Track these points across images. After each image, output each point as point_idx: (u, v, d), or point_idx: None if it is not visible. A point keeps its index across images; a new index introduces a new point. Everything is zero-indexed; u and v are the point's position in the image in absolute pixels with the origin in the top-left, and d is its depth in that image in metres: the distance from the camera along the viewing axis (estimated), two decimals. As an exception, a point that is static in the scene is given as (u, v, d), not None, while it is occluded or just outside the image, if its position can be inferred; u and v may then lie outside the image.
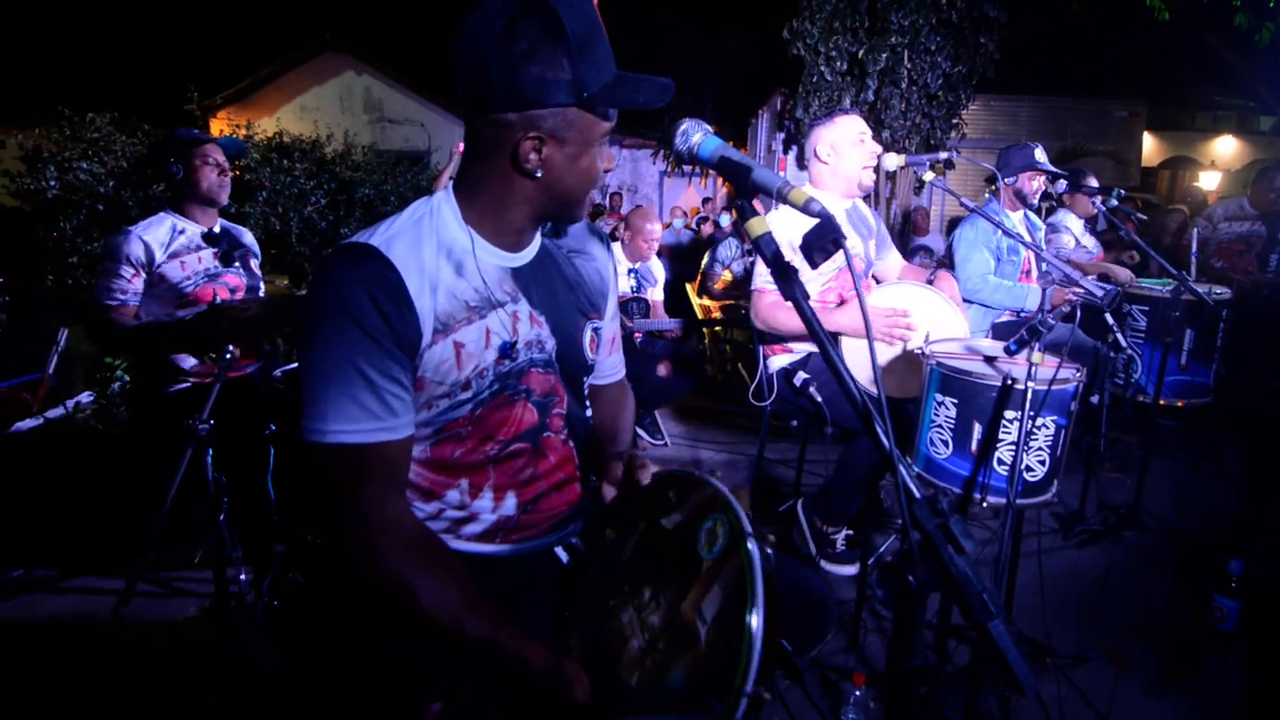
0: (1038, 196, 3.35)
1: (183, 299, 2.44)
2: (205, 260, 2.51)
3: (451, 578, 0.99)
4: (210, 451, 1.95)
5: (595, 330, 1.27)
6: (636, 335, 3.93)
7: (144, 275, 2.39)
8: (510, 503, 1.14)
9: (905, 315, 2.32)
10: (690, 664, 0.90)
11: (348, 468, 0.98)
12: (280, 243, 4.81)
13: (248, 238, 2.71)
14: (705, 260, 5.75)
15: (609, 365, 1.39)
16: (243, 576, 2.27)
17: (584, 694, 0.93)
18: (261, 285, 2.73)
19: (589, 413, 1.29)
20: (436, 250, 1.04)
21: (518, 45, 0.95)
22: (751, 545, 0.89)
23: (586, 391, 1.28)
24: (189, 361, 2.44)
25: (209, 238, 2.52)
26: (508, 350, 1.09)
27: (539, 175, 1.03)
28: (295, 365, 2.31)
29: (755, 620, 0.84)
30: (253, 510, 2.19)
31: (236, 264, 2.58)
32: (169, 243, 2.43)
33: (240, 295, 2.58)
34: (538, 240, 1.19)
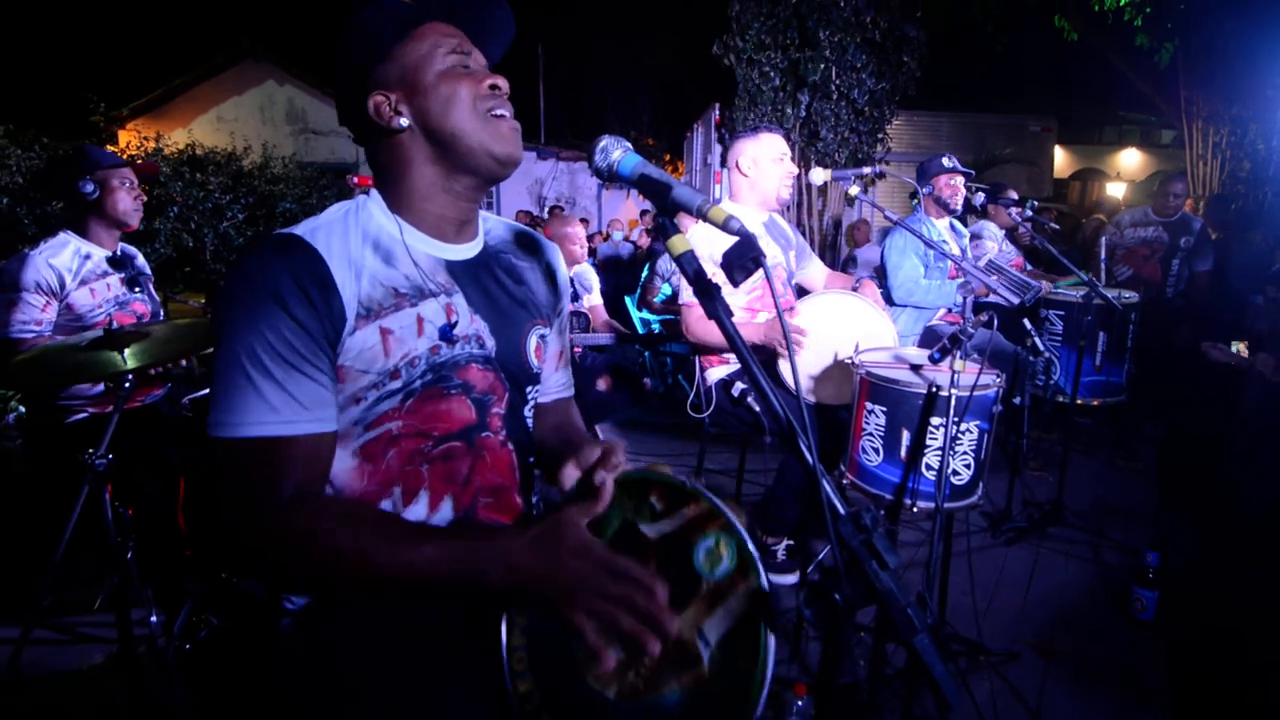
0: (958, 201, 3.48)
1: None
2: (114, 287, 2.37)
3: (381, 520, 0.96)
4: (110, 486, 1.81)
5: (541, 337, 1.22)
6: (576, 349, 3.89)
7: (55, 304, 2.22)
8: (446, 510, 1.08)
9: (804, 334, 2.36)
10: (690, 684, 0.90)
11: (267, 461, 0.92)
12: (194, 259, 4.58)
13: (140, 260, 2.58)
14: (645, 273, 5.75)
15: (557, 381, 1.34)
16: (153, 618, 2.12)
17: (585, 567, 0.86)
18: (161, 309, 2.60)
19: (529, 420, 1.22)
20: (362, 241, 1.03)
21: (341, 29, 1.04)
22: (765, 579, 0.90)
23: (531, 401, 1.22)
24: (95, 389, 2.29)
25: (114, 262, 2.38)
26: (447, 333, 1.05)
27: (404, 124, 1.03)
28: (205, 392, 2.18)
29: (770, 648, 0.87)
30: (163, 546, 2.06)
31: (138, 289, 2.45)
32: (78, 269, 2.27)
33: (147, 322, 2.45)
34: (480, 240, 1.16)
